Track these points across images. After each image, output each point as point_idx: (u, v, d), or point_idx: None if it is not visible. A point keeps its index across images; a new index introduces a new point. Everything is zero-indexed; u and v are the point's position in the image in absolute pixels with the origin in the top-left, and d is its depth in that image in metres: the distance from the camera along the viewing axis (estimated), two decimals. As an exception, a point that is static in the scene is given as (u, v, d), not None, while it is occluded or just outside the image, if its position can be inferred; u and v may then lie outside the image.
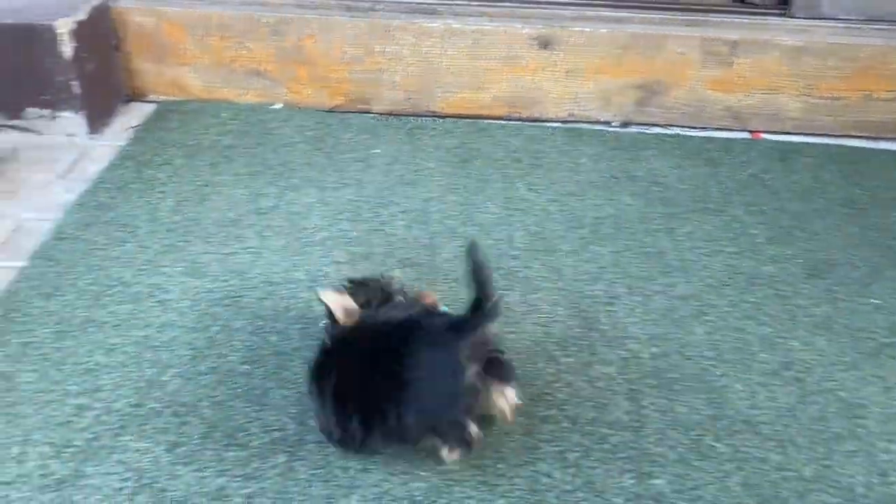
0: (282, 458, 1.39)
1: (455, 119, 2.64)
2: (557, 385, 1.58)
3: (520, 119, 2.67)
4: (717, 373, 1.64)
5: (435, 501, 1.33)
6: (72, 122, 2.43)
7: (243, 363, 1.59)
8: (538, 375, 1.60)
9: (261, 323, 1.69)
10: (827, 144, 2.62)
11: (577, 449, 1.44)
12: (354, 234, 2.02)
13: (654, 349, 1.69)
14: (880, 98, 2.58)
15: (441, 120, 2.64)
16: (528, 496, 1.35)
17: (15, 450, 1.37)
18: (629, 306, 1.82)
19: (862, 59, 2.52)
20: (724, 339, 1.73)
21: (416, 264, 1.91)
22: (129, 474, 1.34)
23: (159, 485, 1.33)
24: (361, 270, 1.85)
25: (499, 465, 1.40)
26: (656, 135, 2.63)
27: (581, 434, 1.47)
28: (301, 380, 1.52)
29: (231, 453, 1.39)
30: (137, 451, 1.39)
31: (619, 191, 2.29)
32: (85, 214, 2.05)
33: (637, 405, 1.54)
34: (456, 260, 1.92)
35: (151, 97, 2.70)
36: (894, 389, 1.61)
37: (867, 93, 2.57)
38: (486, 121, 2.65)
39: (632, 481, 1.39)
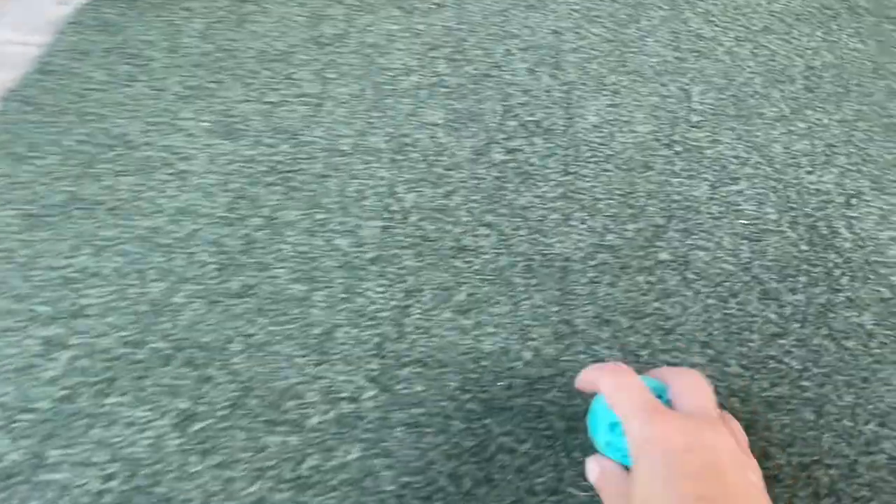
0: (355, 454, 0.88)
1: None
2: (784, 343, 1.00)
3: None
4: None
5: None
6: None
7: (297, 281, 1.04)
8: (751, 325, 1.01)
9: (322, 216, 1.13)
10: None
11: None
12: (455, 80, 1.38)
13: (932, 288, 1.07)
14: None
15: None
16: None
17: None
18: (880, 212, 1.18)
19: None
20: None
21: (546, 131, 1.28)
22: (112, 467, 0.85)
23: (161, 489, 0.83)
24: (469, 139, 1.24)
25: None
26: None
27: (844, 442, 0.91)
28: (384, 314, 0.98)
29: (275, 438, 0.88)
30: (130, 425, 0.89)
31: (837, 28, 1.56)
32: (81, 38, 1.45)
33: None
34: (606, 127, 1.29)
35: None
36: None
37: None
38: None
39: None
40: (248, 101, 1.31)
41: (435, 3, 1.57)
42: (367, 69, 1.38)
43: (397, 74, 1.38)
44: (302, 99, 1.32)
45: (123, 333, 0.96)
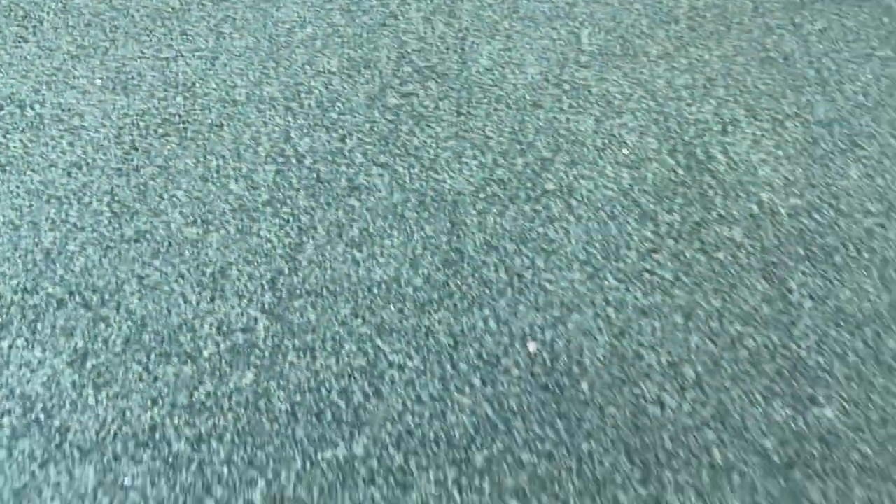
0: (249, 377, 0.91)
1: None
2: (659, 257, 1.06)
3: None
4: (890, 235, 1.11)
5: (490, 443, 0.86)
6: None
7: (190, 224, 1.06)
8: (628, 242, 1.08)
9: (216, 163, 1.15)
10: None
11: (699, 358, 0.95)
12: (351, 30, 1.40)
13: (794, 200, 1.15)
14: None
15: None
16: (630, 437, 0.88)
17: None
18: (752, 136, 1.25)
19: None
20: (893, 183, 1.18)
21: (440, 76, 1.32)
22: (9, 404, 0.86)
23: (57, 421, 0.85)
24: (363, 85, 1.27)
25: (581, 385, 0.92)
26: None
27: (701, 334, 0.97)
28: (277, 250, 1.01)
29: (170, 368, 0.91)
30: (25, 365, 0.90)
31: (720, -29, 1.63)
32: (-31, 3, 1.43)
33: (780, 288, 1.03)
34: (498, 70, 1.34)
35: None
36: None
37: None
38: None
39: (786, 411, 0.91)
40: (142, 57, 1.31)
41: (332, -41, 1.58)
42: (262, 23, 1.40)
43: (293, 27, 1.40)
44: (196, 53, 1.33)
45: (16, 281, 0.97)
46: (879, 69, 1.40)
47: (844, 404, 0.92)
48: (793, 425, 0.89)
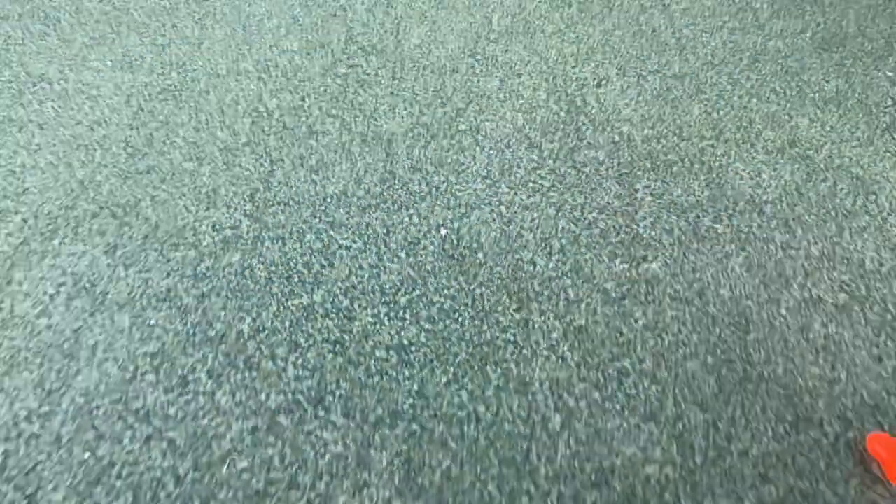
0: (236, 257, 1.25)
1: None
2: (541, 172, 1.42)
3: None
4: (718, 153, 1.48)
5: (409, 292, 1.21)
6: None
7: (188, 160, 1.40)
8: (518, 163, 1.44)
9: (205, 118, 1.49)
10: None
11: (564, 235, 1.31)
12: (309, 20, 1.76)
13: (647, 131, 1.52)
14: None
15: None
16: (510, 284, 1.23)
17: (-67, 258, 1.22)
18: (620, 88, 1.62)
19: None
20: (725, 117, 1.56)
21: (379, 52, 1.68)
22: (64, 279, 1.20)
23: (99, 288, 1.19)
24: (319, 60, 1.63)
25: (478, 254, 1.27)
26: None
27: (567, 220, 1.33)
28: (254, 177, 1.36)
29: (178, 253, 1.25)
30: (72, 254, 1.24)
31: (608, -33, 2.02)
32: (-3, 9, 1.77)
33: (629, 189, 1.39)
34: (425, 46, 1.70)
35: None
36: (908, 164, 1.47)
37: None
38: None
39: (623, 266, 1.27)
40: (142, 44, 1.66)
41: (292, -34, 1.95)
42: (237, 16, 1.76)
43: (262, 18, 1.76)
44: (186, 40, 1.68)
45: (59, 202, 1.31)
46: (727, 36, 1.78)
47: (667, 261, 1.28)
48: (627, 274, 1.25)
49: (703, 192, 1.40)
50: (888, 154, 1.49)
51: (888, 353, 1.16)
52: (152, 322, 1.15)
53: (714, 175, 1.43)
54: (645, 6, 1.87)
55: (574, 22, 1.81)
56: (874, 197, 1.40)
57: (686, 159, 1.46)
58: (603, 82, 1.64)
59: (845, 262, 1.29)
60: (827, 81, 1.66)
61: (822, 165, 1.46)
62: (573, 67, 1.67)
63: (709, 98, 1.60)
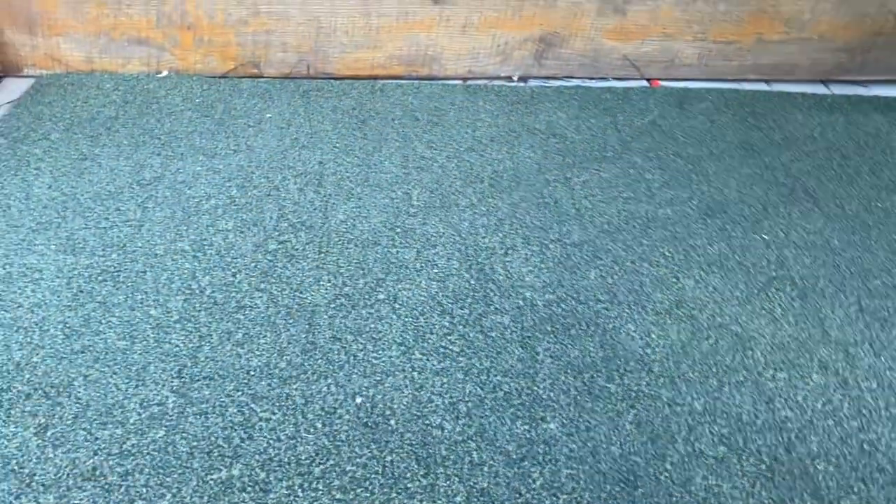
0: (161, 433, 1.33)
1: (351, 80, 2.57)
2: (451, 337, 1.56)
3: (418, 77, 2.62)
4: (611, 315, 1.64)
5: (324, 462, 1.29)
6: (-64, 100, 2.25)
7: (121, 339, 1.51)
8: (431, 329, 1.57)
9: (140, 297, 1.61)
10: (723, 89, 2.65)
11: (470, 399, 1.43)
12: (244, 200, 1.94)
13: (548, 296, 1.68)
14: (772, 41, 2.62)
15: (337, 81, 2.55)
16: (419, 449, 1.33)
17: None
18: (525, 256, 1.80)
19: (752, 2, 2.55)
20: (618, 281, 1.73)
21: (308, 227, 1.85)
22: (-8, 462, 1.26)
23: (27, 470, 1.25)
24: (251, 237, 1.78)
25: (390, 421, 1.37)
26: (556, 87, 2.61)
27: (474, 384, 1.46)
28: (183, 353, 1.46)
29: (106, 432, 1.32)
30: (3, 437, 1.30)
31: (518, 145, 2.27)
32: (-50, 197, 1.91)
33: (531, 352, 1.53)
34: (350, 221, 1.87)
35: (27, 72, 2.53)
36: (781, 320, 1.65)
37: (759, 35, 2.61)
38: (382, 81, 2.59)
39: (524, 427, 1.38)
40: (85, 228, 1.80)
41: (232, 150, 2.15)
42: (177, 199, 1.92)
43: (201, 200, 1.92)
44: (127, 223, 1.83)
45: (-6, 384, 1.39)
46: (622, 206, 2.00)
47: (563, 421, 1.39)
48: (527, 435, 1.36)
49: (597, 353, 1.54)
50: (763, 311, 1.67)
51: (762, 502, 1.27)
52: (76, 502, 1.21)
53: (608, 336, 1.58)
54: (549, 180, 2.09)
55: (485, 196, 2.01)
56: (751, 352, 1.56)
57: (583, 322, 1.61)
58: (510, 251, 1.81)
59: (725, 415, 1.42)
60: (710, 245, 1.87)
61: (705, 324, 1.63)
62: (483, 238, 1.86)
63: (604, 263, 1.79)
